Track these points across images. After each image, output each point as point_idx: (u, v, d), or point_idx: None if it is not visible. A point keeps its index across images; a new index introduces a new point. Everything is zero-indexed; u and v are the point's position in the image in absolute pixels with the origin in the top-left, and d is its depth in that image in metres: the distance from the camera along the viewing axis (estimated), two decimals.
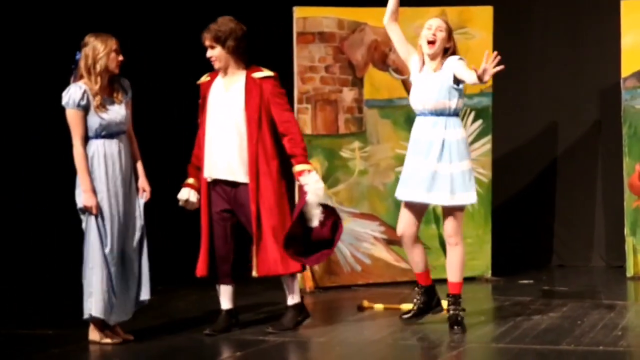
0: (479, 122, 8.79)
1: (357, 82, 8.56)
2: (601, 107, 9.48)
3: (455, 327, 6.64)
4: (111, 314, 6.35)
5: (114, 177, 6.37)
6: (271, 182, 6.58)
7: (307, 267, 7.43)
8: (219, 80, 6.71)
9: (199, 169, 6.72)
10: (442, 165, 6.55)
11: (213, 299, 7.00)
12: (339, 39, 8.54)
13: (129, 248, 6.42)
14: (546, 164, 9.69)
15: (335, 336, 6.68)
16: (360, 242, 8.56)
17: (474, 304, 7.72)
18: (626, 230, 8.79)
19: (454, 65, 6.56)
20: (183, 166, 6.85)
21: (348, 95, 8.58)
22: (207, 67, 6.75)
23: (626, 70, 8.73)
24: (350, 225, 8.53)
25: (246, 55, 6.69)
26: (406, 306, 7.24)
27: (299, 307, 6.76)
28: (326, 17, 8.47)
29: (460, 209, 6.64)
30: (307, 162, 6.61)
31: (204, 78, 6.80)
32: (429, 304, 6.85)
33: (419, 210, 6.71)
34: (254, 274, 6.65)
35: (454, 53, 6.66)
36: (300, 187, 6.65)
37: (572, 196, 9.59)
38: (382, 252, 8.54)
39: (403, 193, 6.67)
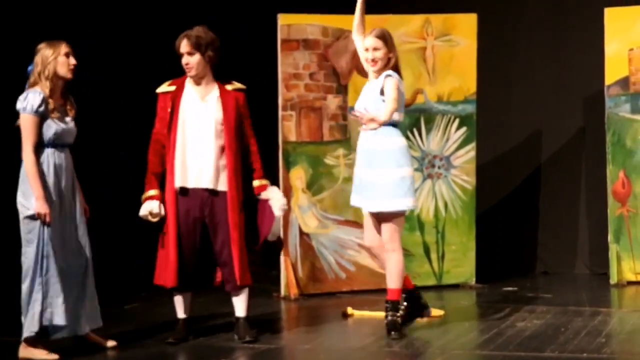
0: (463, 129, 8.80)
1: (342, 89, 8.56)
2: (585, 115, 9.50)
3: (393, 332, 6.68)
4: (54, 327, 6.23)
5: (60, 188, 6.28)
6: (242, 191, 6.60)
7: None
8: (190, 89, 6.64)
9: (158, 177, 6.63)
10: (370, 172, 6.71)
11: (197, 305, 6.98)
12: (323, 46, 8.54)
13: (72, 263, 6.30)
14: (530, 171, 9.71)
15: (320, 343, 6.68)
16: (344, 249, 8.55)
17: (458, 311, 7.74)
18: (610, 237, 8.80)
19: (385, 83, 6.71)
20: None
21: (332, 102, 8.58)
22: (163, 74, 6.68)
23: (610, 77, 8.75)
24: (334, 232, 8.53)
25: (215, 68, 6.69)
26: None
27: (249, 320, 6.76)
28: (310, 25, 8.47)
29: (395, 215, 6.70)
30: (265, 178, 6.70)
31: (168, 87, 6.69)
32: (417, 307, 6.87)
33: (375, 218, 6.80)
34: (237, 282, 6.60)
35: (395, 64, 6.80)
36: (263, 202, 6.63)
37: (556, 203, 9.60)
38: (367, 260, 8.53)
39: (352, 199, 6.92)
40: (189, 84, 6.65)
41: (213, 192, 6.57)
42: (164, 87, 6.70)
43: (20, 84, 6.44)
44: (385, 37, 6.80)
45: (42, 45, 6.32)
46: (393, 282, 6.77)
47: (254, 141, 6.70)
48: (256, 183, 6.65)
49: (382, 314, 7.36)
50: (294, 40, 8.45)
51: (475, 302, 8.27)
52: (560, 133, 9.60)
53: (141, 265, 8.21)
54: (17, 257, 6.31)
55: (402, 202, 6.67)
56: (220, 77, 6.71)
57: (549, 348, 6.31)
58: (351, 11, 8.58)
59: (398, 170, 6.68)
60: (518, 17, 9.68)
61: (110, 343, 6.53)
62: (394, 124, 6.74)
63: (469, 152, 8.84)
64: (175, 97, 6.63)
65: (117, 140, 8.86)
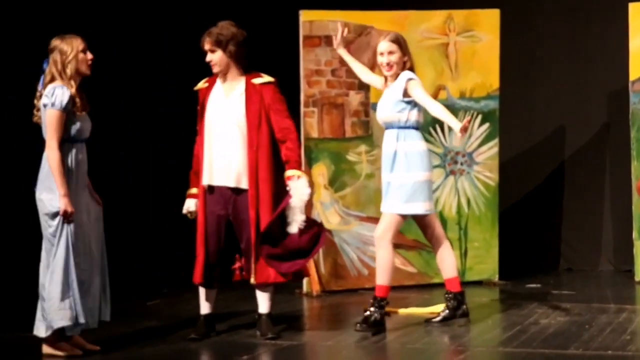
0: (486, 125, 8.77)
1: (364, 86, 8.53)
2: (609, 111, 9.45)
3: (358, 325, 6.72)
4: (76, 323, 6.19)
5: (79, 183, 6.24)
6: (270, 189, 6.54)
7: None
8: (218, 86, 6.65)
9: (199, 174, 6.65)
10: (390, 175, 6.77)
11: (220, 302, 6.98)
12: (345, 43, 8.50)
13: (91, 259, 6.28)
14: (553, 168, 9.67)
15: (342, 340, 6.67)
16: (366, 245, 8.53)
17: (481, 307, 7.71)
18: (634, 234, 8.76)
19: (410, 86, 6.74)
20: (185, 171, 6.81)
21: (354, 98, 8.56)
22: (207, 72, 6.70)
23: (634, 73, 8.70)
24: (356, 229, 8.52)
25: (246, 61, 6.64)
26: (416, 310, 7.23)
27: (272, 317, 6.74)
28: (332, 21, 8.44)
29: (391, 215, 6.78)
30: (299, 169, 6.58)
31: (202, 84, 6.73)
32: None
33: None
34: (252, 281, 6.60)
35: (410, 67, 6.86)
36: (288, 191, 6.59)
37: (580, 200, 9.56)
38: None
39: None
40: (218, 80, 6.66)
41: (237, 190, 6.57)
42: (200, 85, 6.75)
43: (29, 81, 6.43)
44: (399, 41, 6.82)
45: (57, 42, 6.22)
46: (379, 278, 6.84)
47: (288, 132, 6.57)
48: (287, 173, 6.59)
49: (422, 310, 7.39)
50: (315, 37, 8.44)
51: (498, 299, 8.24)
52: (584, 129, 9.56)
53: (164, 262, 8.26)
54: (28, 254, 6.28)
55: (409, 207, 6.75)
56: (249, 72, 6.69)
57: (573, 345, 6.28)
58: (373, 7, 8.60)
59: (417, 174, 6.74)
60: (540, 13, 9.64)
61: (92, 347, 6.40)
62: (415, 127, 6.76)
63: (492, 149, 8.81)
64: (205, 94, 6.66)
65: (157, 139, 8.91)
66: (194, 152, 6.74)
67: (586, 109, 9.52)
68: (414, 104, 6.76)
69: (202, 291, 6.73)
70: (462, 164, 8.76)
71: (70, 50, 6.18)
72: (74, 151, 6.22)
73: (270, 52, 9.41)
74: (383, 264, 6.80)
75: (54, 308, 6.11)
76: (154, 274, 8.61)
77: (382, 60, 6.81)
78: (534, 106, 9.66)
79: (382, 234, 6.79)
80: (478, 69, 8.74)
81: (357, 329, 6.69)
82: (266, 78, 6.63)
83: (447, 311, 6.95)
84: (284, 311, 7.51)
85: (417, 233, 8.62)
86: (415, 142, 6.77)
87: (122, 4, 9.02)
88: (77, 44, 6.21)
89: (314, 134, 8.43)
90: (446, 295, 6.98)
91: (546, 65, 9.60)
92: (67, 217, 6.11)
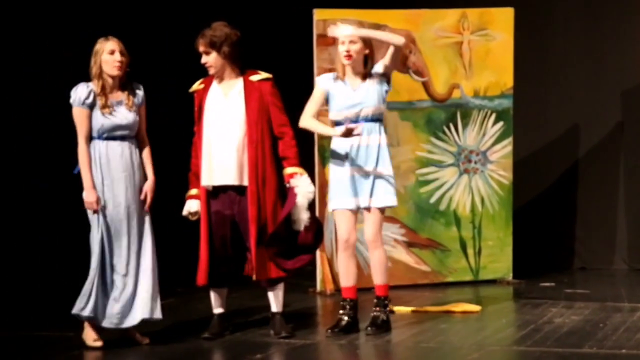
0: (500, 124, 8.76)
1: None
2: (623, 109, 9.43)
3: (369, 327, 6.69)
4: (102, 316, 6.32)
5: (114, 180, 6.37)
6: (270, 185, 6.56)
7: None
8: (215, 87, 6.65)
9: (198, 176, 6.64)
10: (377, 169, 6.66)
11: (232, 300, 6.99)
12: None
13: (126, 255, 6.37)
14: (567, 166, 9.65)
15: (356, 338, 6.66)
16: None
17: (495, 306, 7.70)
18: None
19: (382, 63, 6.68)
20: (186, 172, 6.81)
21: None
22: (207, 72, 6.68)
23: None
24: None
25: (241, 61, 6.64)
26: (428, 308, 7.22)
27: (285, 316, 6.75)
28: (346, 20, 8.44)
29: (382, 211, 6.73)
30: (298, 166, 6.59)
31: (197, 86, 6.72)
32: (356, 318, 6.84)
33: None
34: (253, 277, 6.61)
35: (372, 59, 6.75)
36: (290, 189, 6.57)
37: (594, 198, 9.54)
38: (403, 255, 8.52)
39: (343, 202, 6.75)
40: (215, 81, 6.66)
41: (240, 189, 6.58)
42: (195, 86, 6.73)
43: (70, 79, 6.55)
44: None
45: (97, 43, 6.45)
46: (379, 278, 6.80)
47: (286, 129, 6.61)
48: (286, 171, 6.61)
49: (422, 308, 7.38)
50: (329, 36, 8.42)
51: (512, 298, 8.23)
52: (598, 127, 9.54)
53: (178, 261, 8.26)
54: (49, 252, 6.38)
55: (394, 199, 6.72)
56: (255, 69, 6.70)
57: (587, 344, 6.26)
58: (387, 6, 8.59)
59: (389, 167, 6.70)
60: (555, 11, 9.62)
61: (142, 339, 6.55)
62: (380, 119, 6.72)
63: (506, 147, 8.79)
64: (202, 95, 6.65)
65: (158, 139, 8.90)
66: (192, 154, 6.72)
67: (600, 107, 9.50)
68: (385, 96, 6.73)
69: (212, 291, 6.74)
70: (476, 162, 8.75)
71: (99, 51, 6.42)
72: (101, 147, 6.37)
73: (284, 51, 9.42)
74: (383, 262, 6.77)
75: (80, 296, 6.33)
76: (168, 273, 8.61)
77: (342, 49, 6.66)
78: (548, 105, 9.64)
79: (375, 234, 6.72)
80: (492, 68, 8.73)
81: (368, 333, 6.66)
82: (263, 74, 6.65)
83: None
84: (297, 310, 7.51)
85: (430, 231, 8.65)
86: (386, 135, 6.76)
87: (124, 4, 9.05)
88: (106, 45, 6.42)
89: None
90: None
91: (560, 63, 9.58)
92: (92, 209, 6.30)
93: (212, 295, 6.75)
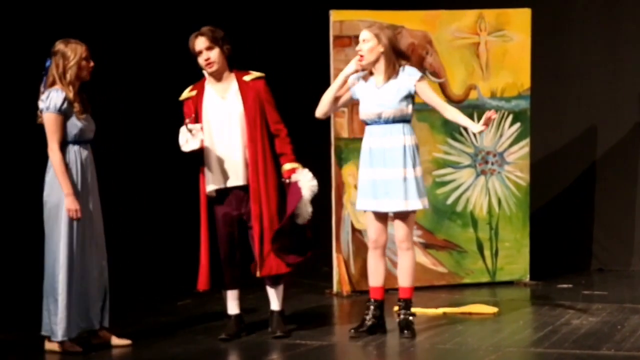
0: (517, 125, 8.74)
1: None
2: None
3: (405, 331, 6.66)
4: (72, 328, 6.28)
5: (85, 184, 6.35)
6: (271, 182, 6.59)
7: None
8: (210, 90, 6.65)
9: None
10: (404, 170, 6.63)
11: (250, 301, 6.99)
12: None
13: (91, 259, 6.36)
14: (585, 167, 9.62)
15: (372, 340, 6.66)
16: (396, 246, 8.50)
17: (512, 308, 7.68)
18: None
19: (423, 90, 6.67)
20: (186, 172, 6.81)
21: None
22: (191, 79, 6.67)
23: None
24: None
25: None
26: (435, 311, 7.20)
27: (284, 315, 6.76)
28: (363, 21, 8.42)
29: (411, 214, 6.72)
30: (296, 161, 6.62)
31: (189, 93, 6.69)
32: (381, 319, 6.82)
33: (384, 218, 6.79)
34: (257, 274, 6.62)
35: (400, 54, 6.69)
36: (292, 184, 6.57)
37: (611, 199, 9.51)
38: (419, 256, 8.50)
39: (366, 203, 6.77)
40: (208, 85, 6.65)
41: (245, 188, 6.59)
42: (186, 94, 6.72)
43: (34, 82, 6.49)
44: (380, 29, 6.70)
45: (61, 46, 6.34)
46: (405, 281, 6.79)
47: (281, 126, 6.64)
48: (285, 167, 6.62)
49: (438, 311, 7.36)
50: (346, 37, 8.43)
51: (529, 300, 8.21)
52: (616, 129, 9.50)
53: (194, 262, 8.26)
54: (32, 254, 6.34)
55: (422, 202, 6.67)
56: (268, 73, 6.71)
57: (604, 346, 6.24)
58: (404, 7, 8.58)
59: (420, 168, 6.69)
60: (572, 12, 9.59)
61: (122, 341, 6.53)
62: (408, 120, 6.71)
63: (523, 148, 8.77)
64: (197, 101, 6.64)
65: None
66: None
67: (618, 108, 9.47)
68: (413, 98, 6.70)
69: (225, 293, 6.75)
70: (492, 163, 8.73)
71: (73, 56, 6.32)
72: (76, 152, 6.35)
73: (301, 52, 9.42)
74: (412, 265, 6.78)
75: (56, 319, 6.22)
76: (184, 274, 8.62)
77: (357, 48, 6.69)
78: (565, 106, 9.61)
79: (404, 236, 6.73)
80: (509, 69, 8.71)
81: (405, 336, 6.61)
82: (255, 74, 6.68)
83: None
84: (313, 311, 7.51)
85: (447, 233, 8.64)
86: (414, 136, 6.74)
87: (128, 5, 9.05)
88: (81, 51, 6.35)
89: (344, 134, 8.42)
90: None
91: (577, 64, 9.55)
92: (73, 216, 6.23)
93: (226, 297, 6.76)
